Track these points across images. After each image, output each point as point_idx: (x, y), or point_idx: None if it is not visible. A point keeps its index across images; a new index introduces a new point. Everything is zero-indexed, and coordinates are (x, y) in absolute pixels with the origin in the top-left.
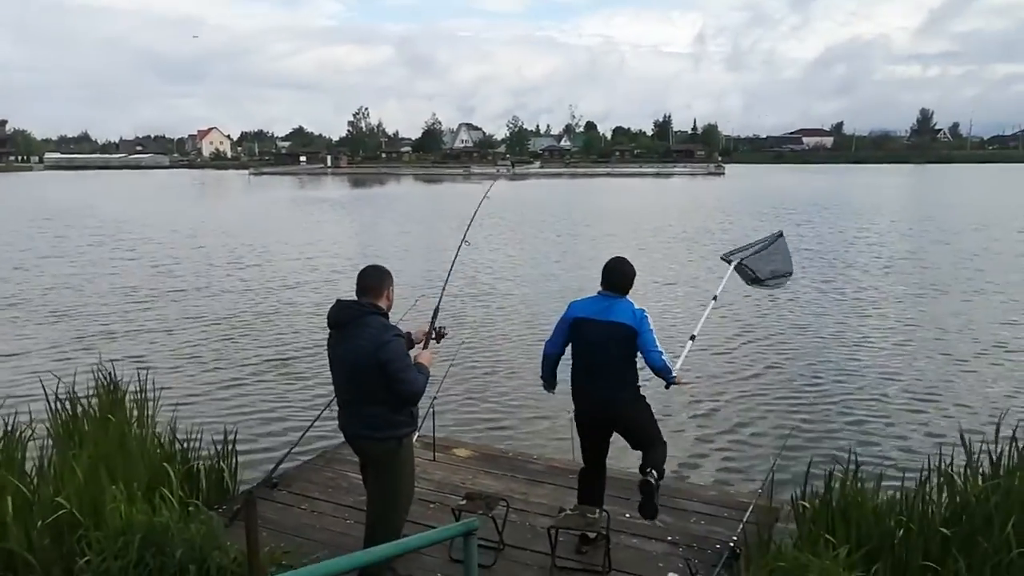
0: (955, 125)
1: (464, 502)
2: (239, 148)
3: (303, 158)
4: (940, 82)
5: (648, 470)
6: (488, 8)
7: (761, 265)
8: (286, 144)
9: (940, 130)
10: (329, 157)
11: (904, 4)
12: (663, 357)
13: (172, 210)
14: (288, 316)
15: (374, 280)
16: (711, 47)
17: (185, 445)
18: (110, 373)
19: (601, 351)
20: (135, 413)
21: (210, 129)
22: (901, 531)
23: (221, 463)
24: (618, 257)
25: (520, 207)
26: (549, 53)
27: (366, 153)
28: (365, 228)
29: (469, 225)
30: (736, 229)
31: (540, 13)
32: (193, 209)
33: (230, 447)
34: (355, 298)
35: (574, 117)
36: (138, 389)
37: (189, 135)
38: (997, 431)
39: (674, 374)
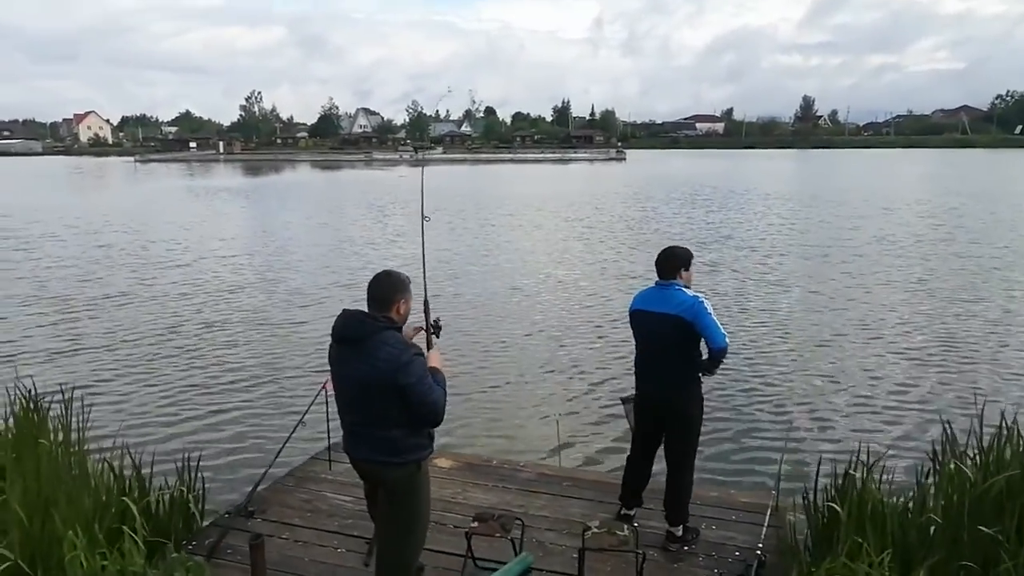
0: (834, 112)
1: (476, 524)
2: (121, 133)
3: (193, 144)
4: (820, 71)
5: (671, 531)
6: None
7: None
8: (173, 129)
9: (821, 116)
10: (221, 143)
11: None
12: (727, 339)
13: (58, 202)
14: (227, 325)
15: (383, 291)
16: (608, 33)
17: (139, 474)
18: (30, 391)
19: (655, 341)
20: (62, 438)
21: (87, 113)
22: (932, 529)
23: (186, 493)
24: (668, 246)
25: (431, 195)
26: (447, 37)
27: (260, 139)
28: (278, 219)
29: (423, 203)
30: (659, 218)
31: None
32: (81, 201)
33: (194, 474)
34: (364, 309)
35: (474, 102)
36: (64, 411)
37: (64, 119)
38: (981, 420)
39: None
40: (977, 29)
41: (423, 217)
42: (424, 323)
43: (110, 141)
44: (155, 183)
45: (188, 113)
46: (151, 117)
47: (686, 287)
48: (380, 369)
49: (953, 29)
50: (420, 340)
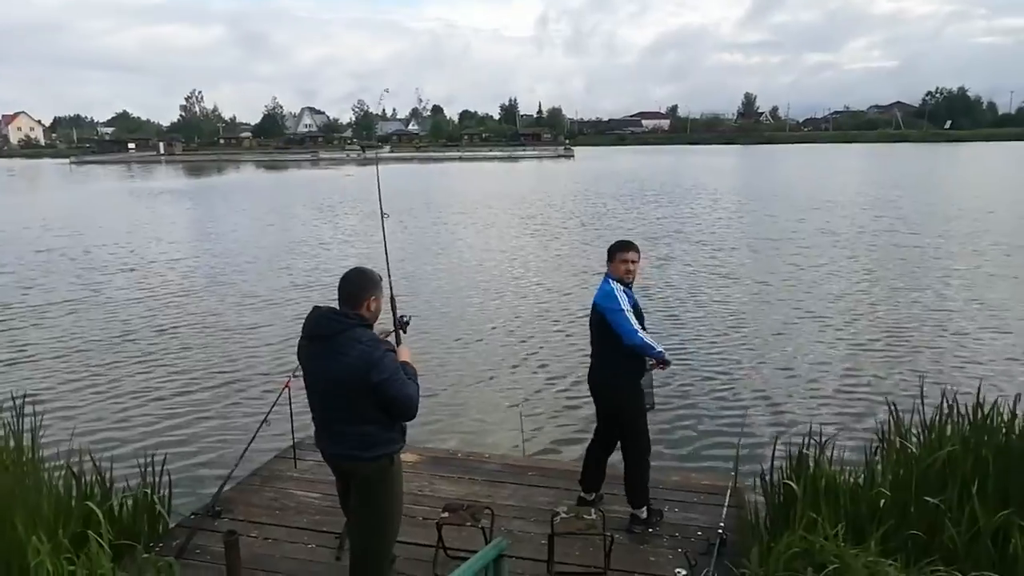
0: (775, 108)
1: (446, 514)
2: (54, 135)
3: (132, 145)
4: (761, 69)
5: (635, 514)
6: None
7: None
8: (109, 130)
9: (762, 113)
10: (162, 144)
11: None
12: (639, 335)
13: None
14: (181, 330)
15: (353, 288)
16: (552, 32)
17: (101, 479)
18: None
19: (591, 330)
20: (14, 446)
21: (17, 114)
22: (882, 502)
23: (151, 495)
24: None
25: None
26: (392, 36)
27: (202, 139)
28: (226, 221)
29: (380, 200)
30: (610, 214)
31: None
32: (16, 205)
33: (158, 477)
34: (334, 306)
35: (420, 101)
36: (16, 420)
37: None
38: (922, 400)
39: (659, 349)
40: (908, 29)
41: (383, 214)
42: (392, 320)
43: (43, 142)
44: (93, 185)
45: (125, 113)
46: (86, 117)
47: (615, 278)
48: (353, 366)
49: (886, 28)
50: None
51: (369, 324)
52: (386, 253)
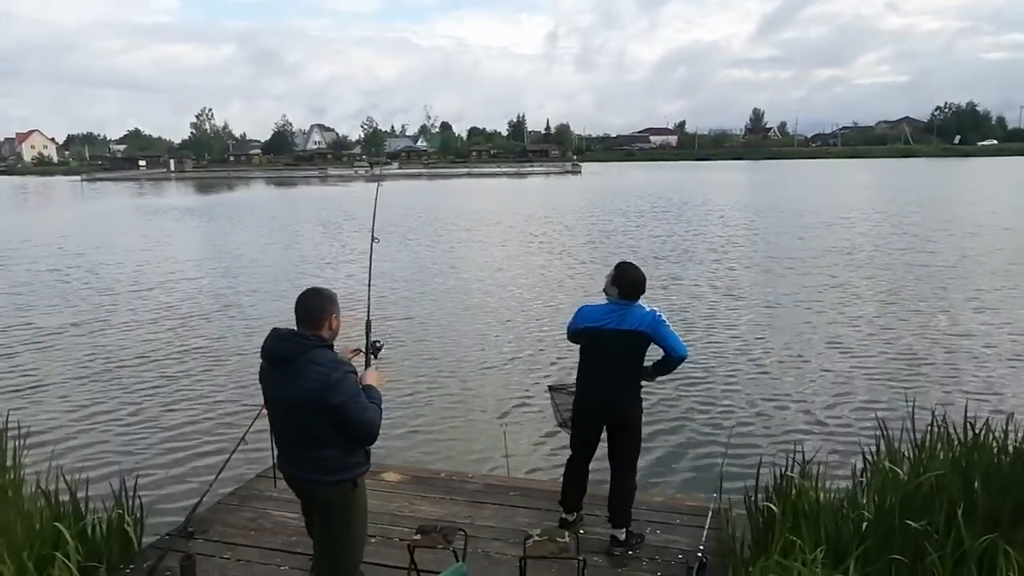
0: (783, 124)
1: (418, 536)
2: (67, 152)
3: (143, 162)
4: (770, 84)
5: (615, 535)
6: (337, 8)
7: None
8: (121, 148)
9: (770, 128)
10: (172, 161)
11: (736, 13)
12: (687, 348)
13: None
14: (168, 349)
15: (313, 307)
16: (561, 49)
17: (74, 500)
18: None
19: (614, 356)
20: None
21: (31, 132)
22: (865, 525)
23: (124, 516)
24: (625, 264)
25: (389, 210)
26: (401, 53)
27: (212, 156)
28: (233, 239)
29: (373, 224)
30: (617, 232)
31: (391, 13)
32: (26, 222)
33: (132, 497)
34: (294, 328)
35: (429, 118)
36: None
37: (6, 138)
38: (913, 423)
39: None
40: (918, 44)
41: (372, 239)
42: (363, 344)
43: (55, 160)
44: (104, 203)
45: (137, 131)
46: (98, 135)
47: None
48: (311, 389)
49: (895, 44)
50: (358, 361)
51: (329, 344)
52: (369, 278)
